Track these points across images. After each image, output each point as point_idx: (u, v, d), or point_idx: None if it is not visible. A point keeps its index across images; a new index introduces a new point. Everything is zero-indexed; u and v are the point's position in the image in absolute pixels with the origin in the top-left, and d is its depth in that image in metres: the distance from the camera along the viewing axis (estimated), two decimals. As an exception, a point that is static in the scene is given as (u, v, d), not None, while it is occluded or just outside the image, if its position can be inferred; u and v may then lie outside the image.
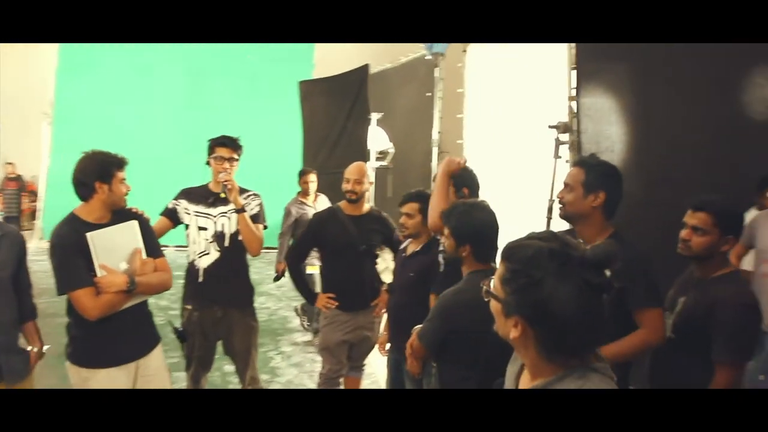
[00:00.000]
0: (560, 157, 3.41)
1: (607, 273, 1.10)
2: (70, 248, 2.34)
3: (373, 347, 3.60)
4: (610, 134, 3.50)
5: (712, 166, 3.08)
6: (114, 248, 2.46)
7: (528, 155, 5.64)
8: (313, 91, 8.32)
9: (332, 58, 10.25)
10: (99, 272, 2.38)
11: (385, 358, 3.27)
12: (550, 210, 3.43)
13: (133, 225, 2.56)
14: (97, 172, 2.43)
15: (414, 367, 2.69)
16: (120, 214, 2.54)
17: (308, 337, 5.23)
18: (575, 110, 3.45)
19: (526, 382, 1.25)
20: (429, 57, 7.62)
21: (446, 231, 2.28)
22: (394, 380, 3.15)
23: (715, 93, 3.08)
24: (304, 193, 5.25)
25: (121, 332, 2.46)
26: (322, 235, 3.44)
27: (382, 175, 7.57)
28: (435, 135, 7.57)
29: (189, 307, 3.15)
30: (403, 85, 8.44)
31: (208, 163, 3.15)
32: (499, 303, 1.18)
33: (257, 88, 10.56)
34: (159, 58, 10.10)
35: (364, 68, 7.46)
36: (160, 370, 2.65)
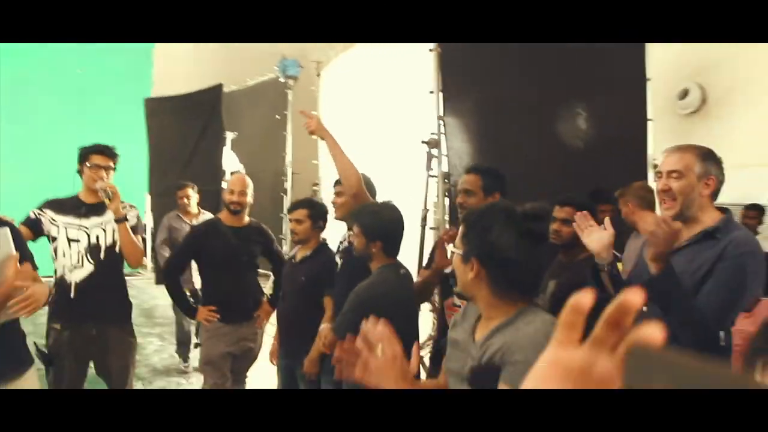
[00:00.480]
0: (432, 170, 3.69)
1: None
2: None
3: (255, 359, 3.57)
4: (471, 152, 3.86)
5: (561, 181, 3.56)
6: None
7: (386, 170, 5.94)
8: (160, 109, 7.98)
9: (173, 77, 9.91)
10: None
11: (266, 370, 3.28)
12: (424, 219, 3.68)
13: (5, 232, 2.33)
14: None
15: (312, 367, 2.76)
16: None
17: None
18: (443, 129, 3.76)
19: (483, 330, 1.42)
20: (282, 80, 7.74)
21: (356, 230, 2.40)
22: (286, 386, 3.19)
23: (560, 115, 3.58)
24: (183, 209, 5.00)
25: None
26: (203, 246, 3.36)
27: (217, 197, 7.39)
28: (289, 156, 7.66)
29: (57, 326, 2.90)
30: (251, 107, 8.43)
31: (79, 172, 2.97)
32: (460, 256, 1.42)
33: (89, 102, 9.78)
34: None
35: (218, 87, 7.36)
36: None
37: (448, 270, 2.58)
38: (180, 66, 10.23)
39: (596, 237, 2.08)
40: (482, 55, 3.71)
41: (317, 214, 3.17)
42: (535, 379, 0.58)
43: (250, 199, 3.42)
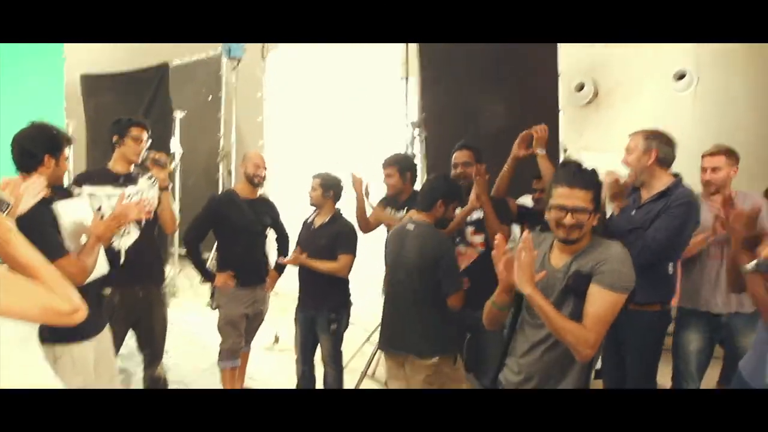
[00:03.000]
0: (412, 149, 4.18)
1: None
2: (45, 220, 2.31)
3: (263, 320, 3.93)
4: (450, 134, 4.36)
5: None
6: (76, 220, 2.46)
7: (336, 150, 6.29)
8: (98, 87, 7.79)
9: (85, 51, 9.38)
10: (67, 242, 2.38)
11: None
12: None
13: (86, 199, 2.57)
14: (48, 144, 2.41)
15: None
16: (60, 191, 2.53)
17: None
18: (423, 112, 4.24)
19: (558, 260, 2.00)
20: (226, 60, 7.80)
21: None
22: (304, 337, 3.62)
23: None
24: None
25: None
26: (221, 216, 3.66)
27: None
28: (233, 137, 7.74)
29: (107, 291, 3.10)
30: (180, 87, 8.24)
31: (116, 143, 3.17)
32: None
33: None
34: None
35: (164, 66, 7.33)
36: (110, 346, 2.68)
37: None
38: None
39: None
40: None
41: (327, 184, 3.57)
42: None
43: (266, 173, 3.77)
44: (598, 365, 2.70)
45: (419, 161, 4.27)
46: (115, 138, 3.19)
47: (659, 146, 2.71)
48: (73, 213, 2.44)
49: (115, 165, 3.23)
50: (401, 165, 3.62)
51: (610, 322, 1.87)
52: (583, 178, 1.94)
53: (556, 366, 1.96)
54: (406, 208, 3.50)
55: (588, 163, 2.08)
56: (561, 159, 4.42)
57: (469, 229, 3.30)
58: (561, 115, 4.54)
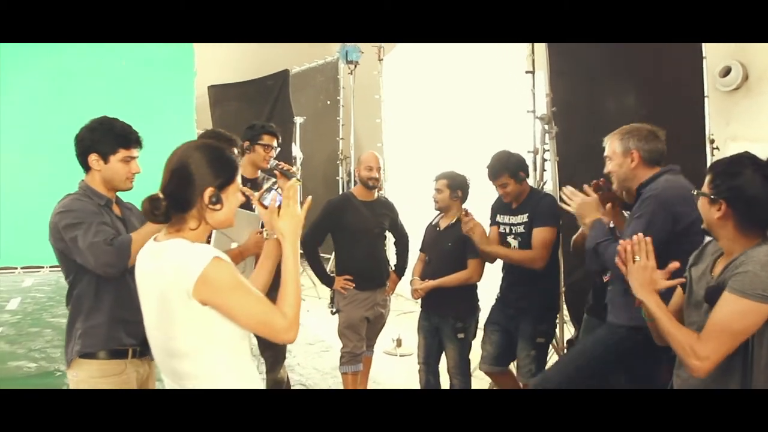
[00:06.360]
0: (546, 145, 3.91)
1: None
2: None
3: (384, 324, 3.84)
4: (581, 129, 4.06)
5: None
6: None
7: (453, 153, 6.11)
8: (224, 96, 8.20)
9: (214, 65, 9.94)
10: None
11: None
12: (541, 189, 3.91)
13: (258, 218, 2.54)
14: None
15: None
16: None
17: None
18: (553, 106, 3.96)
19: (722, 264, 1.72)
20: (343, 65, 7.91)
21: None
22: (429, 346, 3.46)
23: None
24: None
25: None
26: (339, 219, 3.61)
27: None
28: (352, 140, 7.83)
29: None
30: (299, 93, 8.46)
31: (247, 149, 3.22)
32: (707, 198, 1.70)
33: (135, 93, 9.80)
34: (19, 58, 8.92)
35: (284, 72, 7.56)
36: None
37: None
38: (219, 54, 10.15)
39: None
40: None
41: (455, 184, 3.41)
42: None
43: (380, 174, 3.68)
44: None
45: (550, 158, 3.99)
46: (246, 144, 3.23)
47: (638, 144, 2.37)
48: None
49: (244, 170, 3.26)
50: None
51: (737, 333, 1.57)
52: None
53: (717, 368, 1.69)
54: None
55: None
56: (708, 150, 3.98)
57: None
58: (707, 102, 4.09)
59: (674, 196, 2.26)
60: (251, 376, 1.63)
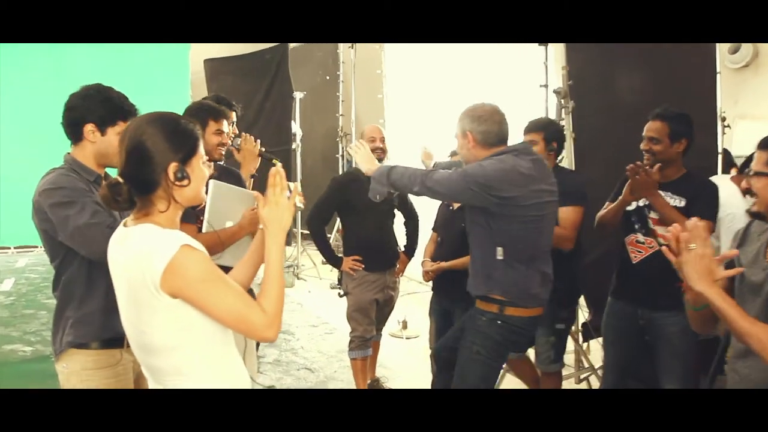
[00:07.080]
0: (562, 121, 3.73)
1: None
2: None
3: (394, 307, 3.70)
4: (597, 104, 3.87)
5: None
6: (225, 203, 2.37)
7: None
8: (221, 70, 7.94)
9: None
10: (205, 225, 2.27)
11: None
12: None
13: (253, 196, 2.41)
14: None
15: None
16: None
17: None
18: (570, 80, 3.77)
19: None
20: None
21: None
22: (440, 331, 3.31)
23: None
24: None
25: None
26: (346, 196, 3.44)
27: (288, 157, 7.28)
28: (353, 116, 7.61)
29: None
30: (298, 68, 8.19)
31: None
32: (766, 178, 1.59)
33: (126, 67, 9.44)
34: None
35: (283, 47, 7.29)
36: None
37: (631, 207, 2.65)
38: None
39: None
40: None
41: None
42: None
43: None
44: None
45: (567, 133, 3.81)
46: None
47: (472, 126, 2.43)
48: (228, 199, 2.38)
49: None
50: (547, 131, 3.04)
51: None
52: None
53: None
54: None
55: (743, 134, 1.70)
56: (718, 127, 3.81)
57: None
58: (719, 78, 3.91)
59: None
60: (236, 375, 1.49)
